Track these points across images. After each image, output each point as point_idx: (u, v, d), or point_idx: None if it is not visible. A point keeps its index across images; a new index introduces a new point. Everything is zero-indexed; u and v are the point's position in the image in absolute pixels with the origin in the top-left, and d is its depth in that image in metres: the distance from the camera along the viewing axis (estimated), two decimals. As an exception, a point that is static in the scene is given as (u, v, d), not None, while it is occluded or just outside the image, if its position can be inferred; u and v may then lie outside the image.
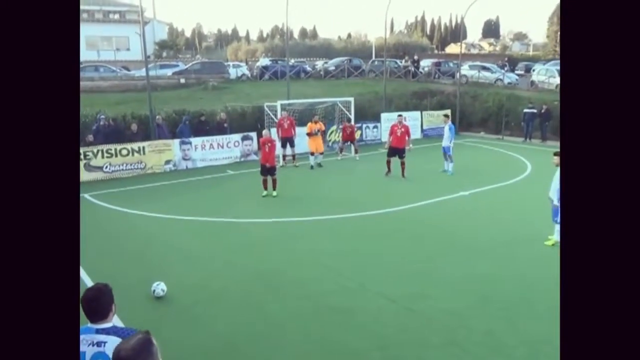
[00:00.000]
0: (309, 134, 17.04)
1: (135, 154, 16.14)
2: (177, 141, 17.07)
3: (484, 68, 32.73)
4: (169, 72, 30.33)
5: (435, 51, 75.75)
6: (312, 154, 17.04)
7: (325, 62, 39.00)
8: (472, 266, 8.31)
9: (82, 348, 2.92)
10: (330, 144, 19.89)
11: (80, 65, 25.44)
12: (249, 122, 20.22)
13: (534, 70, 33.33)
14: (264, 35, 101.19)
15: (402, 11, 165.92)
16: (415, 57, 37.91)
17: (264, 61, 37.37)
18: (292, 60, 36.03)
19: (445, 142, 15.53)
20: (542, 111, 21.85)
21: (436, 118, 23.17)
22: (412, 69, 33.85)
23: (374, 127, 22.19)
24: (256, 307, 6.99)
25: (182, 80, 27.99)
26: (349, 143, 18.82)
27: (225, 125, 18.77)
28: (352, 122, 19.30)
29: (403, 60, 37.79)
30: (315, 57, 49.29)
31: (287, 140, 17.38)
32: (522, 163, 17.37)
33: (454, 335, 6.15)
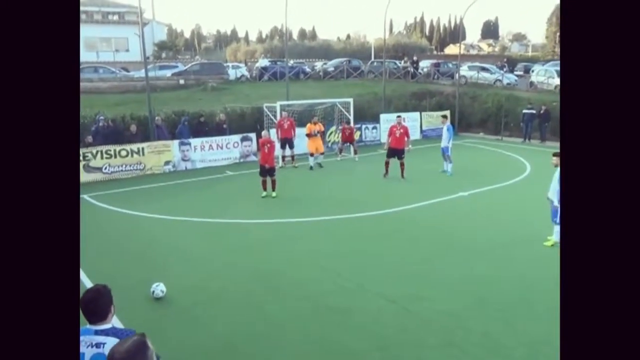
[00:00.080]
0: (309, 135, 17.04)
1: (135, 155, 16.13)
2: (176, 142, 17.07)
3: (483, 69, 32.77)
4: (168, 73, 30.35)
5: (434, 52, 75.82)
6: (312, 154, 17.04)
7: (325, 63, 39.02)
8: (470, 267, 8.31)
9: (81, 349, 2.92)
10: (329, 144, 19.90)
11: (80, 67, 25.40)
12: (248, 123, 20.23)
13: (533, 71, 33.37)
14: (263, 36, 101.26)
15: (401, 12, 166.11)
16: (415, 58, 37.97)
17: (263, 62, 37.40)
18: (291, 61, 36.02)
19: (443, 143, 15.57)
20: (541, 112, 21.88)
21: (435, 119, 23.18)
22: (411, 69, 33.89)
23: (373, 128, 22.20)
24: (256, 307, 6.99)
25: (182, 81, 27.99)
26: (348, 144, 18.83)
27: (225, 126, 18.77)
28: (352, 123, 19.31)
29: (402, 61, 37.82)
30: (314, 58, 49.30)
31: (287, 141, 17.38)
32: (521, 164, 17.38)
33: (453, 336, 6.15)
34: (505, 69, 36.57)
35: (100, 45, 43.61)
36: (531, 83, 30.22)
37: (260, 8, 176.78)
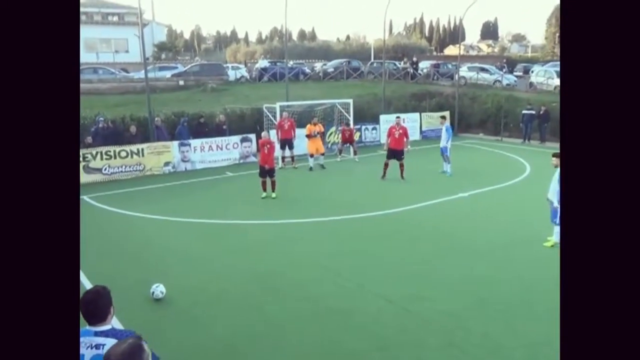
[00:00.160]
0: (308, 136, 17.04)
1: (134, 156, 16.13)
2: (176, 143, 17.07)
3: (483, 69, 32.78)
4: (167, 74, 30.34)
5: (434, 53, 75.90)
6: (312, 155, 17.03)
7: (324, 64, 39.06)
8: (470, 267, 8.31)
9: (81, 351, 2.92)
10: (329, 145, 19.90)
11: (80, 68, 25.40)
12: (248, 123, 20.22)
13: (532, 72, 33.38)
14: (263, 37, 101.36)
15: (401, 13, 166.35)
16: (414, 59, 38.01)
17: (263, 63, 37.43)
18: (291, 62, 36.04)
19: (442, 143, 15.60)
20: (541, 112, 21.88)
21: (435, 119, 23.16)
22: (411, 70, 33.90)
23: (373, 129, 22.21)
24: (255, 308, 6.99)
25: (181, 82, 28.00)
26: (348, 145, 18.83)
27: (224, 127, 18.77)
28: (351, 124, 19.31)
29: (402, 62, 37.86)
30: (314, 59, 49.34)
31: (286, 141, 17.38)
32: (521, 164, 17.38)
33: (453, 337, 6.15)
34: (504, 70, 36.59)
35: (100, 46, 43.62)
36: (531, 84, 30.22)
37: (259, 9, 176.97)
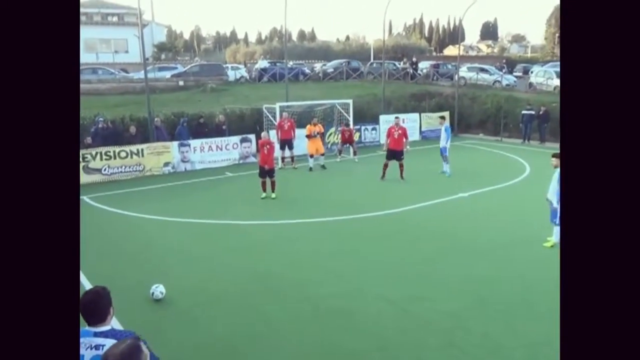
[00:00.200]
0: (308, 136, 17.03)
1: (134, 156, 16.12)
2: (175, 143, 17.06)
3: (482, 70, 32.79)
4: (167, 74, 30.35)
5: (434, 53, 75.91)
6: (312, 156, 17.03)
7: (324, 65, 39.07)
8: (470, 268, 8.31)
9: (81, 351, 2.92)
10: (329, 145, 19.90)
11: (80, 68, 25.40)
12: (248, 124, 20.23)
13: (532, 72, 33.38)
14: (263, 37, 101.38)
15: (401, 13, 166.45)
16: (414, 59, 38.05)
17: (263, 63, 37.44)
18: (291, 63, 36.05)
19: (442, 143, 15.62)
20: (541, 113, 21.88)
21: (435, 120, 23.16)
22: (411, 71, 33.92)
23: (373, 129, 22.21)
24: (255, 309, 6.98)
25: (181, 83, 28.00)
26: (347, 145, 18.84)
27: (224, 127, 18.77)
28: (351, 125, 19.31)
29: (401, 63, 37.87)
30: (313, 60, 49.36)
31: (286, 142, 17.38)
32: (521, 164, 17.39)
33: (453, 337, 6.15)
34: (504, 70, 36.59)
35: (100, 46, 43.63)
36: (530, 84, 30.22)
37: (259, 9, 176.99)
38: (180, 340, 6.15)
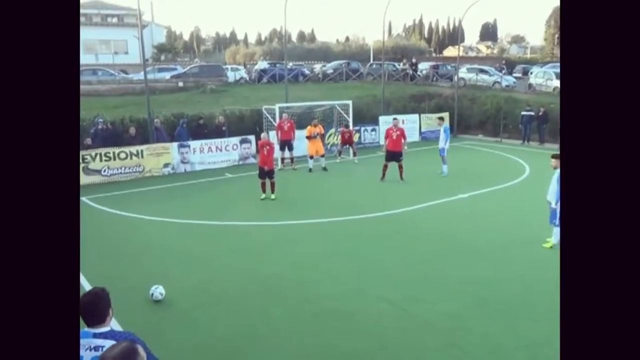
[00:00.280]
0: (309, 137, 17.02)
1: (134, 158, 16.12)
2: (175, 144, 17.05)
3: (482, 71, 32.80)
4: (167, 75, 30.34)
5: (433, 54, 75.93)
6: (312, 157, 17.02)
7: (324, 66, 39.09)
8: (470, 268, 8.31)
9: (80, 352, 2.92)
10: (328, 146, 19.90)
11: (80, 69, 25.40)
12: (248, 125, 20.22)
13: (531, 73, 33.39)
14: (262, 38, 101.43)
15: (400, 14, 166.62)
16: (413, 60, 38.08)
17: (262, 64, 37.47)
18: (291, 64, 36.10)
19: (441, 144, 15.65)
20: (540, 114, 21.89)
21: (434, 121, 23.17)
22: (410, 72, 33.94)
23: (372, 130, 22.20)
24: (255, 310, 6.98)
25: (181, 84, 27.99)
26: (347, 146, 18.84)
27: (224, 128, 18.76)
28: (351, 126, 19.31)
29: (401, 64, 37.91)
30: (313, 61, 49.41)
31: (286, 143, 17.37)
32: (520, 165, 17.39)
33: (453, 338, 6.15)
34: (503, 71, 36.62)
35: (100, 47, 43.63)
36: (530, 85, 30.23)
37: (259, 10, 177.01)
38: (180, 342, 6.15)
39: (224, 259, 9.00)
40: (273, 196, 13.07)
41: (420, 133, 23.65)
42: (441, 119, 17.13)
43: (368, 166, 17.25)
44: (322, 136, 17.75)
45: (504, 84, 30.87)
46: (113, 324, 3.18)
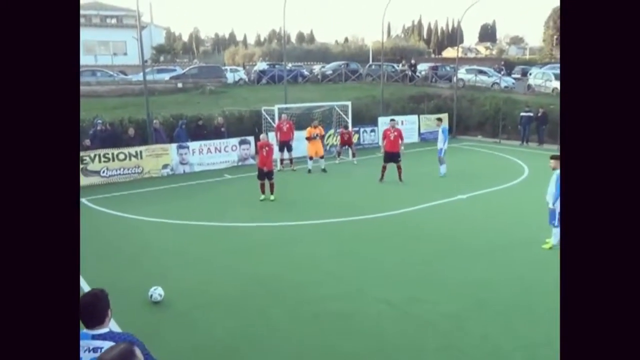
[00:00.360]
0: (308, 138, 17.01)
1: (133, 159, 16.11)
2: (174, 145, 17.05)
3: (481, 72, 32.82)
4: (166, 76, 30.33)
5: (432, 55, 76.01)
6: (311, 158, 17.02)
7: (323, 67, 39.11)
8: (469, 269, 8.31)
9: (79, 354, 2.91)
10: (327, 147, 19.89)
11: (80, 70, 25.38)
12: (247, 126, 20.21)
13: (530, 74, 33.44)
14: (262, 39, 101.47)
15: (399, 15, 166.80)
16: (413, 61, 38.09)
17: (262, 65, 37.46)
18: (290, 65, 36.08)
19: (439, 145, 15.69)
20: (539, 115, 21.91)
21: (433, 122, 23.18)
22: (409, 73, 33.97)
23: (372, 131, 22.21)
24: (255, 311, 6.97)
25: (180, 85, 27.99)
26: (346, 147, 18.85)
27: (223, 129, 18.75)
28: (350, 127, 19.32)
29: (400, 65, 37.94)
30: (312, 62, 49.41)
31: (285, 144, 17.36)
32: (519, 166, 17.40)
33: (452, 339, 6.14)
34: (502, 72, 36.64)
35: (99, 48, 43.61)
36: (529, 86, 30.27)
37: (258, 11, 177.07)
38: (179, 343, 6.14)
39: (223, 260, 8.99)
40: (272, 197, 13.06)
41: (420, 134, 23.66)
42: (439, 119, 17.17)
43: (367, 167, 17.25)
44: (322, 137, 17.74)
45: (503, 85, 30.91)
46: (112, 325, 3.17)
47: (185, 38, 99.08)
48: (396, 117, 20.71)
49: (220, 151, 17.86)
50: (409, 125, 22.93)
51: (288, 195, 13.62)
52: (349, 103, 19.92)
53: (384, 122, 21.55)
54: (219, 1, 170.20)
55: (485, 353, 5.84)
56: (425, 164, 17.16)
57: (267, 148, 12.99)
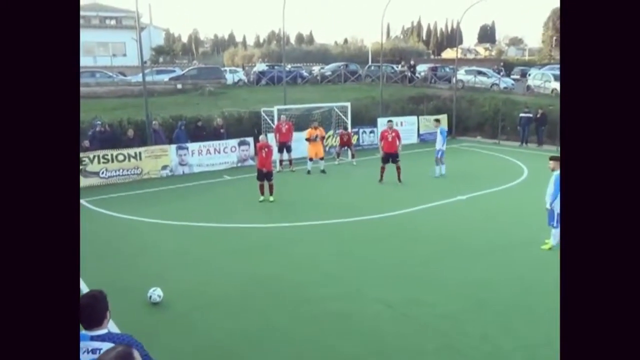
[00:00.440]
0: (308, 139, 17.01)
1: (132, 160, 16.09)
2: (173, 146, 17.03)
3: (480, 73, 32.84)
4: (165, 77, 30.33)
5: (432, 56, 76.07)
6: (311, 159, 17.02)
7: (322, 68, 39.14)
8: (469, 270, 8.30)
9: (78, 355, 2.90)
10: (327, 148, 19.89)
11: (80, 71, 25.36)
12: (246, 127, 20.19)
13: (529, 75, 33.48)
14: (261, 40, 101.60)
15: (399, 16, 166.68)
16: (412, 62, 38.12)
17: (261, 66, 37.51)
18: (289, 66, 36.11)
19: (438, 146, 15.70)
20: (538, 115, 21.92)
21: (432, 123, 23.20)
22: (409, 74, 33.97)
23: (371, 132, 22.19)
24: (254, 312, 6.96)
25: (179, 86, 27.98)
26: (346, 148, 18.85)
27: (222, 130, 18.74)
28: (349, 128, 19.32)
29: (399, 65, 37.97)
30: (312, 63, 49.45)
31: (284, 145, 17.36)
32: (519, 167, 17.41)
33: (451, 340, 6.14)
34: (502, 73, 36.67)
35: (98, 49, 43.62)
36: (528, 87, 30.29)
37: (257, 13, 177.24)
38: (178, 344, 6.13)
39: (223, 261, 8.99)
40: (272, 198, 13.06)
41: (419, 135, 23.65)
42: (437, 120, 17.16)
43: (366, 168, 17.25)
44: (323, 139, 17.73)
45: (502, 85, 30.92)
46: (111, 327, 3.16)
47: (184, 39, 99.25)
48: (395, 118, 20.78)
49: (219, 152, 17.85)
50: (408, 126, 22.93)
51: (287, 196, 13.62)
52: (348, 104, 19.92)
53: (383, 123, 21.54)
54: (218, 2, 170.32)
55: (485, 353, 5.84)
56: (425, 165, 17.15)
57: (266, 149, 12.99)
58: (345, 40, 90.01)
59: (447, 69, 34.93)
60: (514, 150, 21.05)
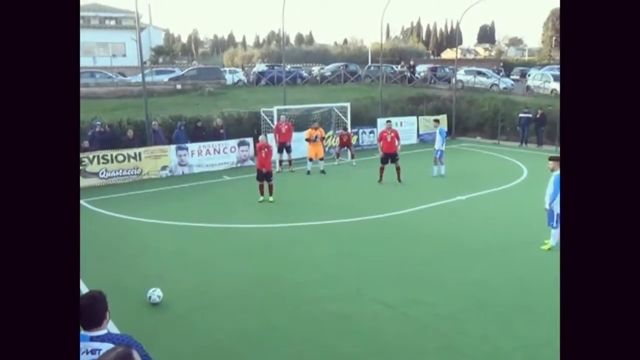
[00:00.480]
0: (308, 140, 17.01)
1: (132, 160, 16.09)
2: (173, 147, 17.03)
3: (480, 73, 32.85)
4: (165, 78, 30.31)
5: (431, 56, 76.08)
6: (311, 159, 17.02)
7: (322, 68, 39.13)
8: (468, 270, 8.30)
9: (77, 355, 2.90)
10: (326, 149, 19.88)
11: (80, 72, 25.35)
12: (246, 127, 20.19)
13: (529, 75, 33.49)
14: (260, 41, 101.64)
15: (398, 17, 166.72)
16: (411, 63, 38.12)
17: (260, 67, 37.50)
18: (289, 66, 36.13)
19: (437, 146, 15.71)
20: (538, 116, 21.93)
21: (432, 123, 23.21)
22: (408, 74, 33.97)
23: (370, 132, 22.20)
24: (254, 312, 6.96)
25: (179, 86, 27.97)
26: (345, 148, 18.85)
27: (222, 130, 18.74)
28: (349, 128, 19.32)
29: (399, 66, 37.97)
30: (311, 63, 49.48)
31: (284, 145, 17.35)
32: (518, 167, 17.41)
33: (451, 341, 6.14)
34: (501, 74, 36.69)
35: (97, 50, 43.61)
36: (527, 87, 30.30)
37: (257, 13, 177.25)
38: (178, 345, 6.12)
39: (222, 261, 8.98)
40: (271, 198, 13.06)
41: (419, 135, 23.66)
42: (437, 121, 17.15)
43: (366, 168, 17.25)
44: (323, 139, 17.72)
45: (501, 86, 30.94)
46: (110, 327, 3.16)
47: (184, 39, 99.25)
48: (395, 119, 20.79)
49: (219, 152, 17.85)
50: (408, 127, 22.93)
51: (287, 197, 13.61)
52: (348, 104, 19.92)
53: (382, 123, 21.56)
54: (217, 3, 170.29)
55: (484, 353, 5.84)
56: (424, 166, 17.14)
57: (266, 149, 13.00)
58: (345, 41, 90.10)
59: (447, 70, 34.94)
60: (514, 151, 21.06)
